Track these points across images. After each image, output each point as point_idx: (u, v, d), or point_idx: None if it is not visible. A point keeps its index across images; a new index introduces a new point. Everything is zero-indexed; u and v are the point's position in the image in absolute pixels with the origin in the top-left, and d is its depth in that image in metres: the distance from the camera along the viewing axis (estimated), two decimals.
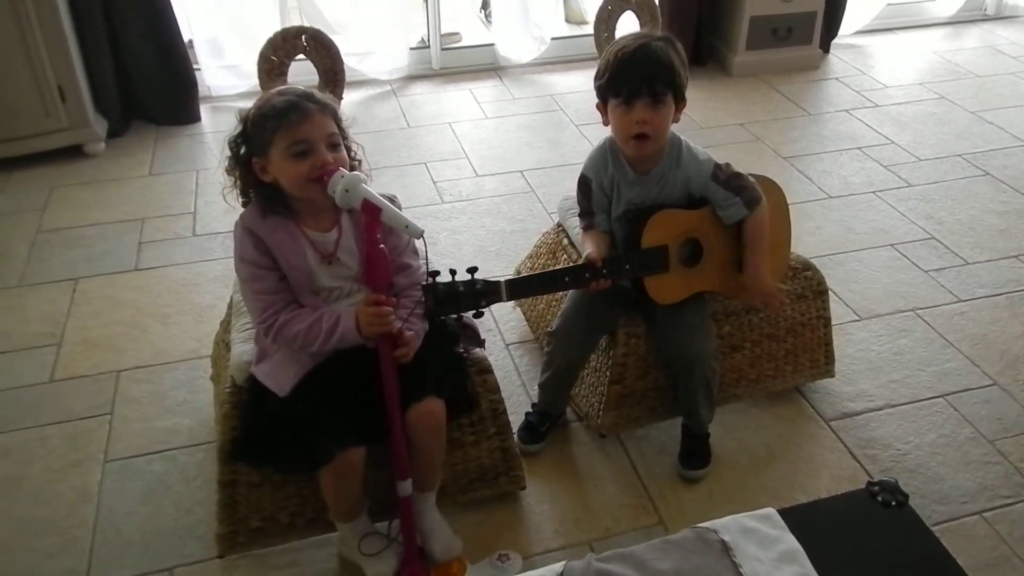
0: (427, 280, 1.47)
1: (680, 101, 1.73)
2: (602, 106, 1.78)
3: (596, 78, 1.77)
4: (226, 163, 1.54)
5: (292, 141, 1.44)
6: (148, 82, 3.47)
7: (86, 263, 2.70)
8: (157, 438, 2.04)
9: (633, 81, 1.68)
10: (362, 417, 1.54)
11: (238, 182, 1.55)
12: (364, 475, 1.61)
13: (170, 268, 2.68)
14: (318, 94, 1.51)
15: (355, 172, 1.38)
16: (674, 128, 1.78)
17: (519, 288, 1.60)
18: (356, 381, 1.54)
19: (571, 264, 1.84)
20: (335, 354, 1.56)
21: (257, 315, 1.54)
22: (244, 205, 1.58)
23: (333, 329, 1.49)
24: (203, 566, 1.74)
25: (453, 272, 1.46)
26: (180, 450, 2.01)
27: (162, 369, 2.26)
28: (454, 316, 1.52)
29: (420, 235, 1.42)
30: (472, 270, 1.48)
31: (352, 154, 1.57)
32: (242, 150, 1.52)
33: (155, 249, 2.78)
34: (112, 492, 1.90)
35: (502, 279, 1.53)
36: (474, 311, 1.50)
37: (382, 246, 1.42)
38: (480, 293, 1.48)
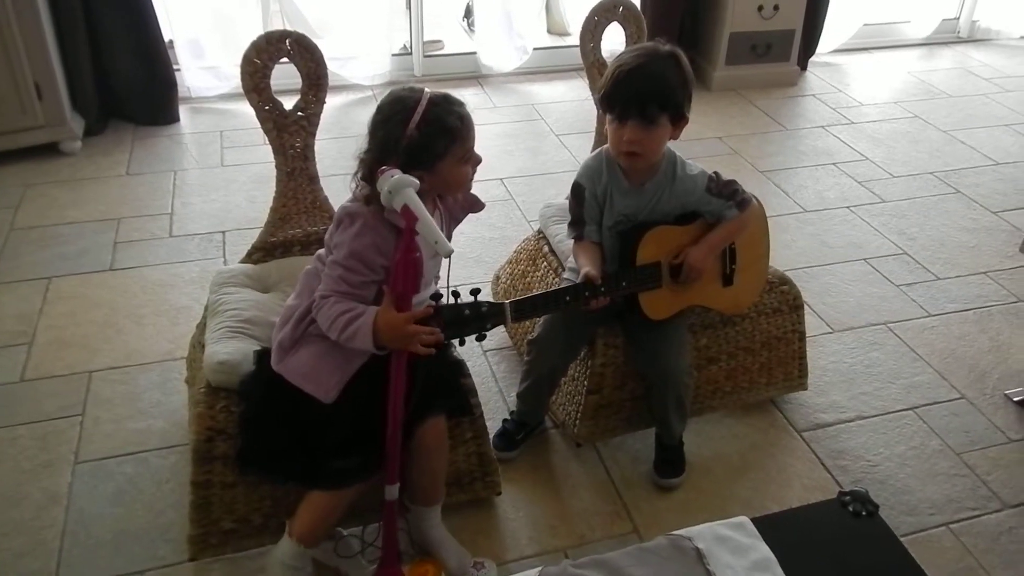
0: (431, 303, 1.44)
1: (679, 119, 1.72)
2: (603, 117, 1.79)
3: (598, 90, 1.78)
4: (362, 169, 1.49)
5: (465, 150, 1.50)
6: (127, 81, 3.45)
7: (60, 262, 2.67)
8: (129, 439, 2.02)
9: (625, 101, 1.68)
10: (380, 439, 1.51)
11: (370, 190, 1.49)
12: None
13: (146, 269, 2.66)
14: (454, 96, 1.52)
15: (405, 175, 1.36)
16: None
17: (523, 310, 1.59)
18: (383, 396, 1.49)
19: (568, 283, 1.82)
20: (373, 360, 1.50)
21: (325, 290, 1.48)
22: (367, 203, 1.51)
23: (352, 321, 1.42)
24: (174, 569, 1.72)
25: (456, 294, 1.45)
26: (152, 452, 1.99)
27: (136, 370, 2.23)
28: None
29: (448, 254, 1.39)
30: (475, 292, 1.46)
31: None
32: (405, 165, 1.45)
33: (131, 249, 2.75)
34: (82, 494, 1.88)
35: (507, 302, 1.52)
36: (478, 334, 1.48)
37: (418, 254, 1.38)
38: (485, 316, 1.47)
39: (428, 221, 1.36)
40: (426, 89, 1.50)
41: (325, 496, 1.57)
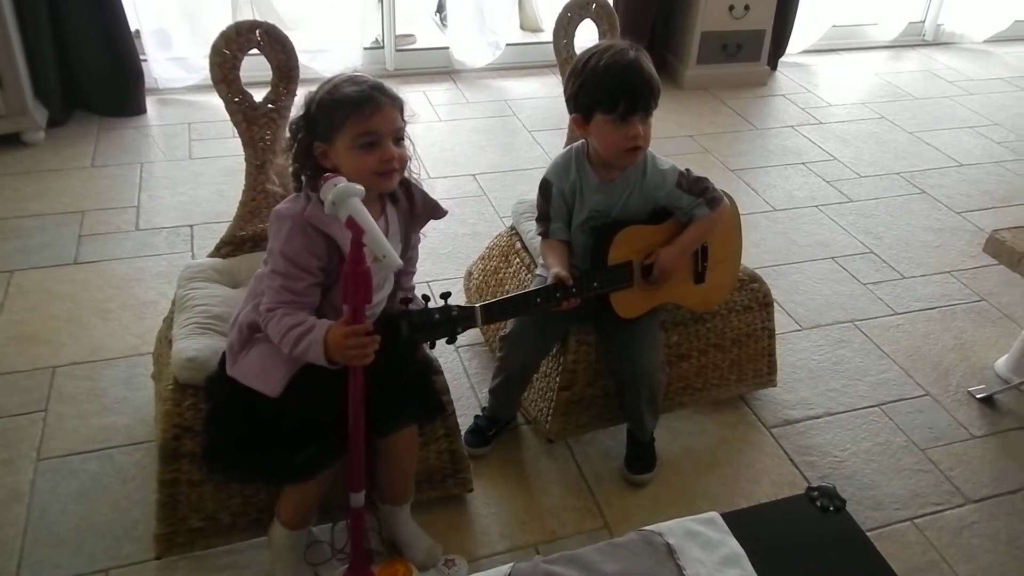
0: (400, 309, 1.43)
1: None
2: (580, 119, 1.74)
3: (581, 93, 1.71)
4: (284, 143, 1.50)
5: (361, 132, 1.41)
6: (92, 71, 3.38)
7: (22, 255, 2.61)
8: (94, 436, 1.98)
9: (631, 98, 1.67)
10: (343, 428, 1.49)
11: (293, 167, 1.49)
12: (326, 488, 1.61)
13: (111, 262, 2.61)
14: (387, 86, 1.46)
15: (351, 183, 1.29)
16: None
17: (494, 313, 1.58)
18: (342, 387, 1.46)
19: (540, 280, 1.86)
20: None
21: (270, 302, 1.45)
22: (296, 189, 1.50)
23: (303, 336, 1.40)
24: (140, 568, 1.69)
25: (427, 298, 1.44)
26: (117, 449, 1.95)
27: (100, 365, 2.19)
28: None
29: (396, 268, 1.35)
30: (445, 295, 1.45)
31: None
32: (301, 134, 1.46)
33: (96, 243, 2.70)
34: (45, 491, 1.84)
35: (477, 305, 1.52)
36: (448, 337, 1.47)
37: (368, 265, 1.31)
38: (455, 320, 1.46)
39: (375, 234, 1.28)
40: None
41: (298, 486, 1.57)
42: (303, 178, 1.48)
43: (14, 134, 3.17)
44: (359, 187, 1.30)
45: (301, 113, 1.47)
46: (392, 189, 1.51)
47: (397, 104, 1.46)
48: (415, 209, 1.59)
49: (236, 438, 1.53)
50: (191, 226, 2.81)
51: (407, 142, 1.49)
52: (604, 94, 1.68)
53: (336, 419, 1.47)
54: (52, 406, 2.06)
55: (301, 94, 1.51)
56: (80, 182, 3.03)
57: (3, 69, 3.02)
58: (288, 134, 1.49)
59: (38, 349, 2.24)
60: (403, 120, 1.48)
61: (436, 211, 1.62)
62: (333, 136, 1.43)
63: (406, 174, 1.52)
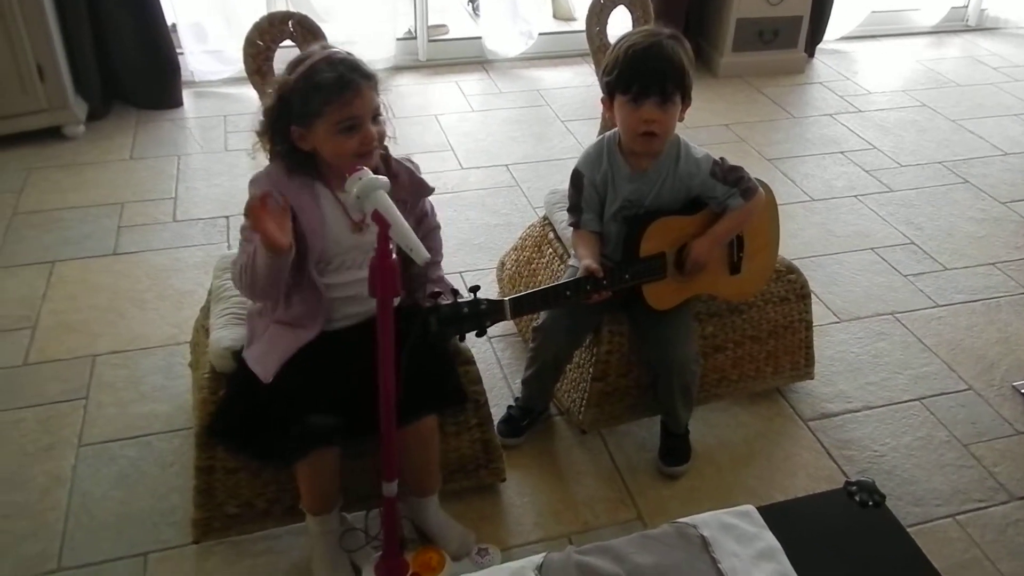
0: (430, 302, 1.43)
1: (686, 101, 1.73)
2: (607, 101, 1.76)
3: (605, 73, 1.75)
4: (258, 126, 1.49)
5: (342, 117, 1.40)
6: (130, 65, 3.43)
7: (63, 246, 2.66)
8: (133, 423, 2.02)
9: (644, 80, 1.67)
10: (345, 409, 1.51)
11: (268, 147, 1.49)
12: (338, 472, 1.62)
13: (149, 253, 2.65)
14: (362, 63, 1.44)
15: (376, 176, 1.28)
16: None
17: (523, 306, 1.58)
18: (343, 369, 1.51)
19: (572, 270, 1.85)
20: (323, 339, 1.53)
21: (238, 262, 1.51)
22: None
23: (249, 256, 1.44)
24: (178, 551, 1.72)
25: (455, 292, 1.44)
26: (156, 436, 1.98)
27: (139, 354, 2.23)
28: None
29: (424, 261, 1.32)
30: (474, 289, 1.46)
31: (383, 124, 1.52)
32: (276, 118, 1.45)
33: (134, 234, 2.74)
34: (86, 477, 1.88)
35: (506, 298, 1.52)
36: (477, 331, 1.47)
37: (395, 257, 1.30)
38: (484, 313, 1.46)
39: (401, 226, 1.26)
40: (338, 48, 1.45)
41: (301, 468, 1.59)
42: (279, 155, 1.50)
43: (55, 128, 3.22)
44: (384, 179, 1.29)
45: (275, 98, 1.45)
46: (372, 167, 1.49)
47: (373, 82, 1.45)
48: (398, 183, 1.54)
49: (241, 415, 1.57)
50: (227, 217, 2.84)
51: (384, 116, 1.48)
52: (621, 75, 1.69)
53: (326, 403, 1.50)
54: (92, 394, 2.10)
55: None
56: (119, 174, 3.07)
57: (44, 64, 3.07)
58: (263, 117, 1.48)
59: (79, 338, 2.28)
60: (379, 95, 1.46)
61: (422, 188, 1.63)
62: (312, 121, 1.42)
63: (392, 154, 1.54)
